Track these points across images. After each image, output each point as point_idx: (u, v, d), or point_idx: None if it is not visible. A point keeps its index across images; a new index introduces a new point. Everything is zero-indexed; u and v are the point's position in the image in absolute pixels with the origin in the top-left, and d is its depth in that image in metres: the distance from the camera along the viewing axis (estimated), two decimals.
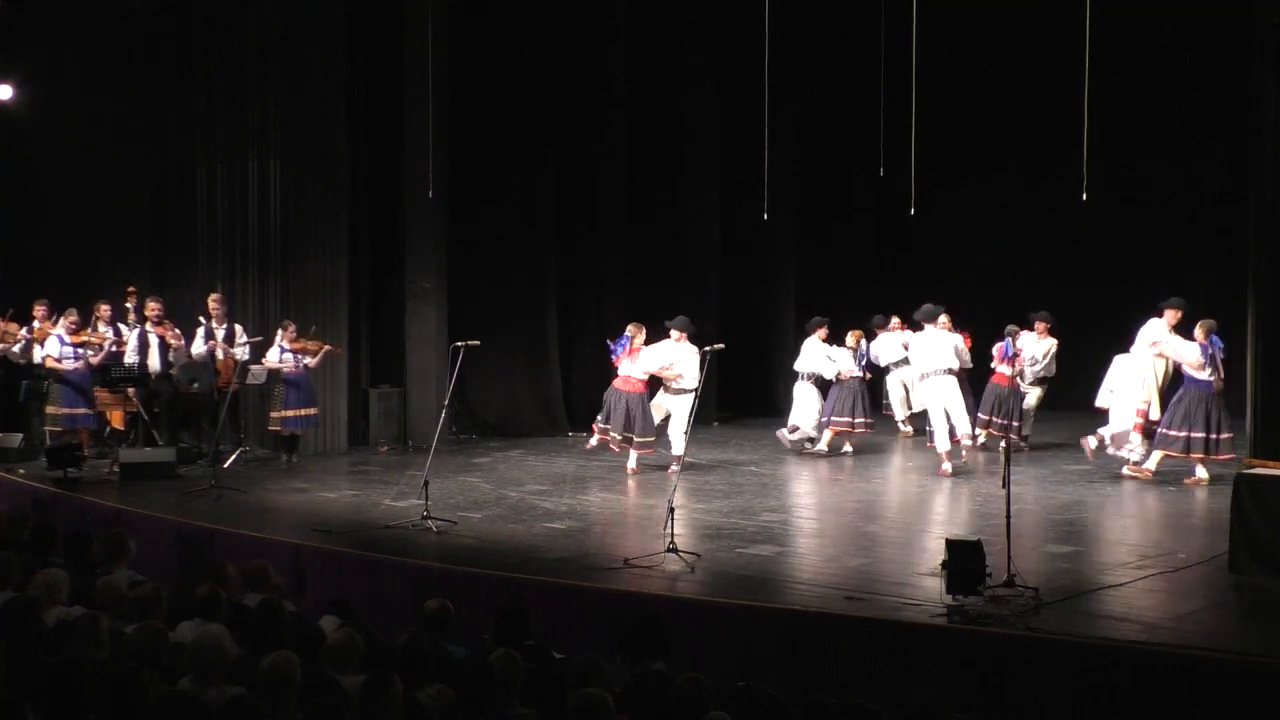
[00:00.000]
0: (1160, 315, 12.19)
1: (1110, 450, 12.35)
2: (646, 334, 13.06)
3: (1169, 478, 11.91)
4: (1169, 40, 16.51)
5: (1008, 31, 17.24)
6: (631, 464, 12.73)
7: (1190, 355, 11.79)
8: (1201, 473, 11.74)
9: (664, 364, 12.83)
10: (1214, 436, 11.64)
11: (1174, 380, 12.29)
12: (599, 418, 12.98)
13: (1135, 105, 16.48)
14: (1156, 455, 11.92)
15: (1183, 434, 11.67)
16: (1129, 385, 12.25)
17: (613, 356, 13.06)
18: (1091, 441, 12.48)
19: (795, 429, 14.30)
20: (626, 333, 13.02)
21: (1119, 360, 12.45)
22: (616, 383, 12.92)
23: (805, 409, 14.29)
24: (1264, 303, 9.45)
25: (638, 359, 12.84)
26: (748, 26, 14.17)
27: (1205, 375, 11.70)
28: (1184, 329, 12.08)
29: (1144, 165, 17.06)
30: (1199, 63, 16.28)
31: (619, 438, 12.72)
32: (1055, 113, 14.54)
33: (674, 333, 12.89)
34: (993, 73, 17.69)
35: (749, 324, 17.72)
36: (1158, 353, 12.11)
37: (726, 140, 17.36)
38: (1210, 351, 11.71)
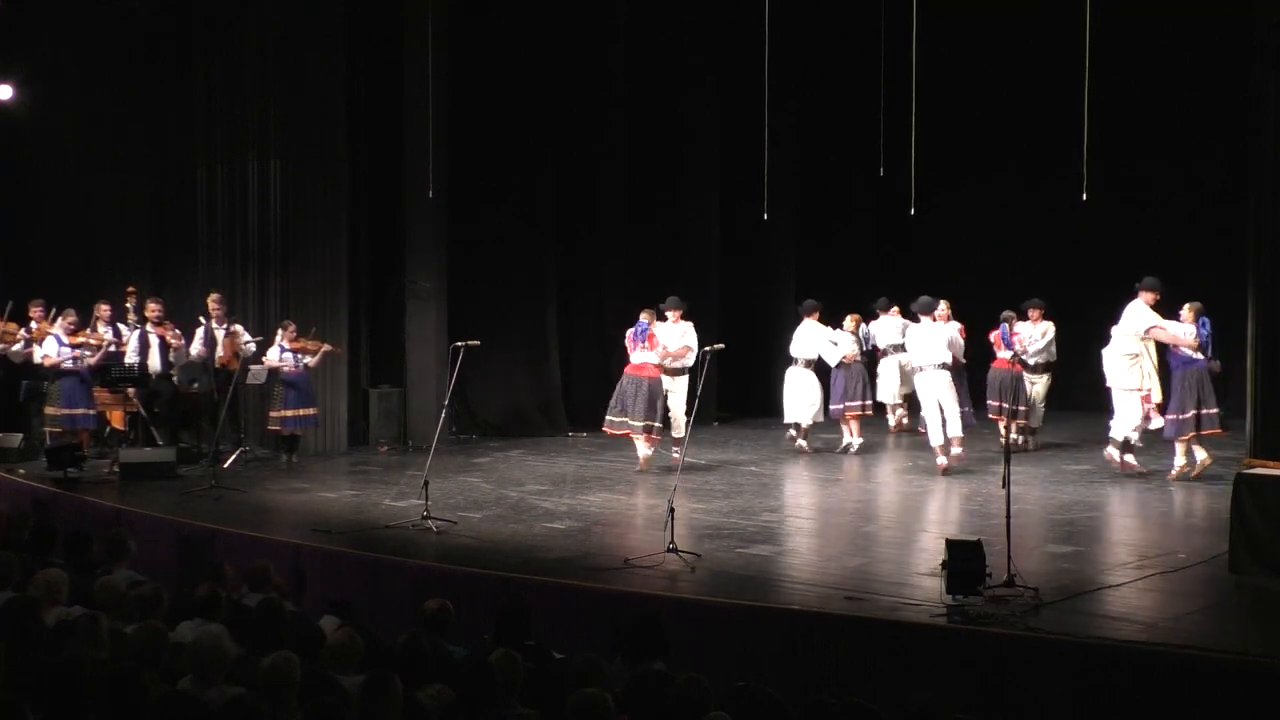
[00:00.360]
0: (1135, 297, 12.24)
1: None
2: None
3: (1168, 477, 11.94)
4: (1169, 40, 16.52)
5: (1008, 31, 17.25)
6: (643, 455, 12.69)
7: (1188, 335, 11.91)
8: (1201, 454, 11.81)
9: (681, 344, 12.89)
10: (1219, 411, 11.81)
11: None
12: (614, 415, 12.83)
13: (1135, 105, 16.49)
14: (1179, 448, 11.95)
15: (1191, 414, 11.75)
16: (1121, 375, 12.22)
17: (638, 344, 12.82)
18: (1114, 453, 12.31)
19: (806, 431, 14.20)
20: (643, 320, 12.95)
21: (1105, 354, 12.41)
22: (632, 370, 12.85)
23: (802, 398, 14.19)
24: (1264, 303, 9.44)
25: (657, 345, 12.82)
26: (748, 26, 14.18)
27: (1200, 355, 11.84)
28: (1161, 310, 12.17)
29: (1144, 165, 17.06)
30: (1199, 63, 16.28)
31: (640, 426, 12.65)
32: (1055, 113, 14.55)
33: (670, 314, 13.02)
34: (993, 73, 17.70)
35: (749, 324, 17.70)
36: (1151, 337, 12.10)
37: (726, 140, 17.35)
38: (1206, 332, 11.90)
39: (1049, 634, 6.94)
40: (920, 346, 13.06)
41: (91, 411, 13.30)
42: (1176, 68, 16.58)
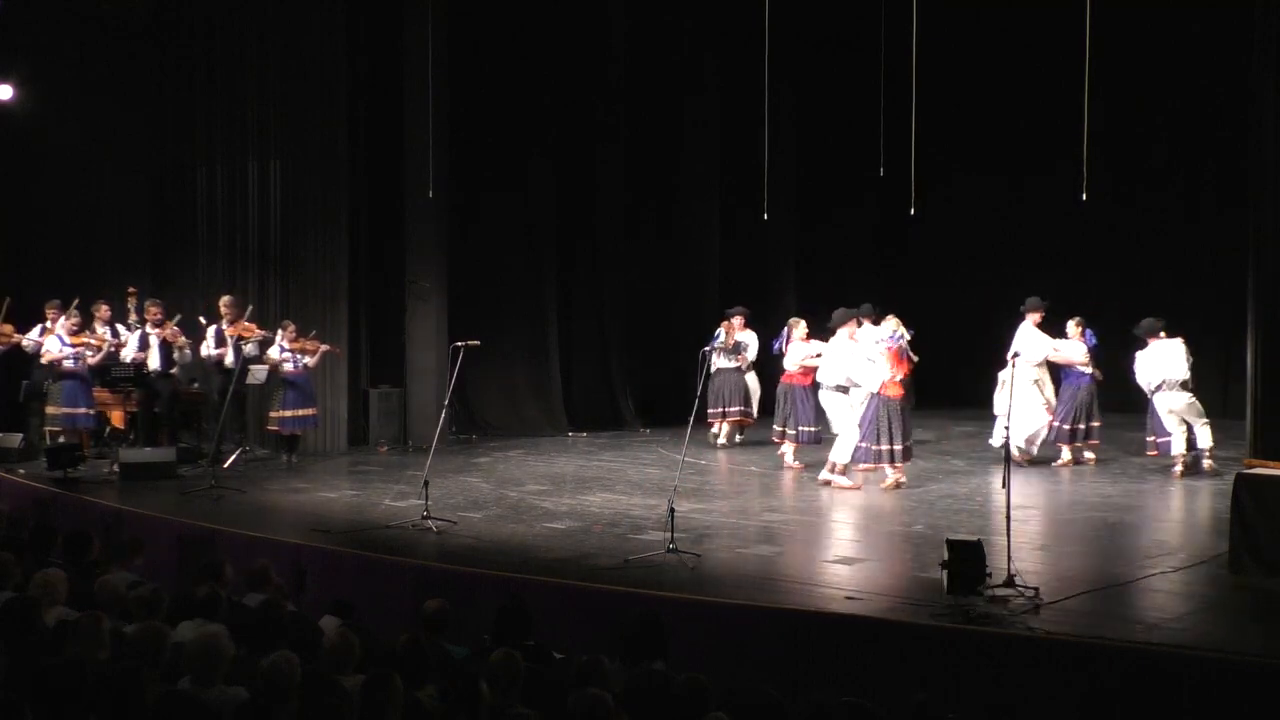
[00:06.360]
0: (1023, 318, 12.88)
1: (1033, 451, 12.87)
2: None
3: (1168, 476, 11.95)
4: (1170, 40, 16.51)
5: (1008, 31, 17.25)
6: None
7: (1078, 354, 12.71)
8: (1067, 455, 12.75)
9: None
10: (1094, 425, 12.76)
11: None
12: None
13: (1136, 105, 16.50)
14: (1065, 450, 12.74)
15: (1069, 426, 12.68)
16: (1025, 390, 12.51)
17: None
18: (1016, 451, 12.32)
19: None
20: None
21: (1006, 374, 12.05)
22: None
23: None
24: (1264, 303, 9.46)
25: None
26: (748, 27, 14.18)
27: (1090, 369, 12.76)
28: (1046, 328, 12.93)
29: (1144, 166, 17.08)
30: (1200, 63, 16.29)
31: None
32: (1055, 113, 14.54)
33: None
34: (993, 72, 17.70)
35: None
36: (1049, 360, 12.81)
37: (726, 140, 17.36)
38: (1090, 345, 12.72)
39: (1049, 634, 6.94)
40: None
41: (91, 411, 13.29)
42: (1177, 68, 16.58)
